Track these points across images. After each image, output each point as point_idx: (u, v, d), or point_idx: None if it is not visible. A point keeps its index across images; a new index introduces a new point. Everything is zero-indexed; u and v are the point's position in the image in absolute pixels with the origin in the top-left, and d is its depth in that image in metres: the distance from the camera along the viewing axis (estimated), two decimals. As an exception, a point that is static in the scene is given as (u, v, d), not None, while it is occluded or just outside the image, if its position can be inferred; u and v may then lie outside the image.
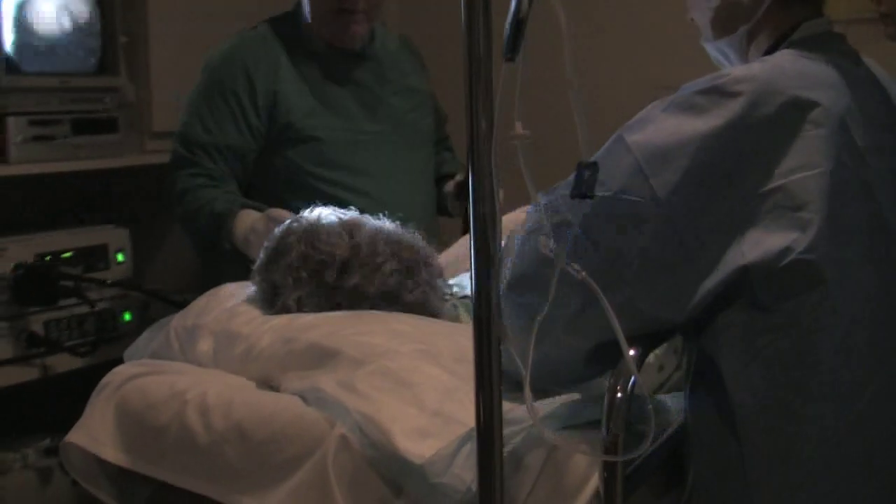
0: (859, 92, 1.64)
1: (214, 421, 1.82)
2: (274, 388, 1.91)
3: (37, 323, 2.96)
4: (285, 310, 2.08)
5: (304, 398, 1.79)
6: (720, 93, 1.54)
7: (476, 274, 1.42)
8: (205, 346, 2.07)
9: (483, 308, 1.43)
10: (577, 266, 1.41)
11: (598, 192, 1.53)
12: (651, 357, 2.03)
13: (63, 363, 2.95)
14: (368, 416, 1.67)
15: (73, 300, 3.00)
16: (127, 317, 3.20)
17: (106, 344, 3.03)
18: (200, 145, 2.85)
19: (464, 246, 2.18)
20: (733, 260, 1.51)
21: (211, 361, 2.05)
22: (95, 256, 3.17)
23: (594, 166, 1.35)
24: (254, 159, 2.90)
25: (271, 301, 2.12)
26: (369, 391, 1.72)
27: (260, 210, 2.63)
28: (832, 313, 1.52)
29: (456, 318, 2.20)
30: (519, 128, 1.30)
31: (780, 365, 1.52)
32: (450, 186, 3.07)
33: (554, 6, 1.25)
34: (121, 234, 3.27)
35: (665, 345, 1.77)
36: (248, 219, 2.66)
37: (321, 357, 1.86)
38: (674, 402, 1.76)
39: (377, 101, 3.00)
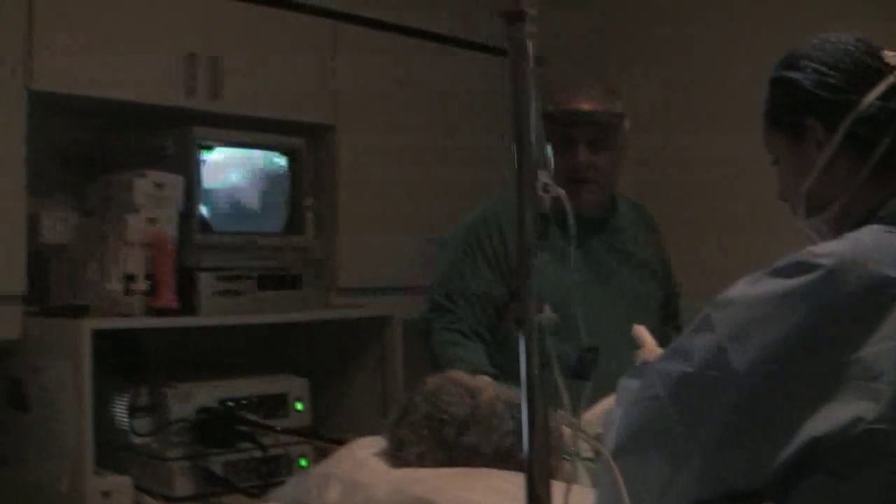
0: None
1: None
2: (384, 535, 2.03)
3: (216, 463, 3.17)
4: (407, 464, 2.20)
5: (397, 545, 1.91)
6: (800, 270, 1.59)
7: (528, 437, 1.53)
8: (333, 493, 2.20)
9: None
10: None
11: (683, 368, 1.63)
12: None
13: (237, 503, 3.12)
14: None
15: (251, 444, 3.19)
16: (303, 462, 3.36)
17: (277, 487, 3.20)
18: (461, 293, 3.08)
19: (600, 407, 2.28)
20: (807, 432, 1.53)
21: (336, 508, 2.19)
22: (275, 404, 3.37)
23: (594, 351, 1.45)
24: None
25: (396, 455, 2.25)
26: None
27: (493, 377, 2.70)
28: None
29: (573, 478, 2.27)
30: (546, 309, 1.42)
31: None
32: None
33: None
34: (300, 384, 3.47)
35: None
36: None
37: (423, 509, 1.98)
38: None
39: (608, 270, 3.14)
